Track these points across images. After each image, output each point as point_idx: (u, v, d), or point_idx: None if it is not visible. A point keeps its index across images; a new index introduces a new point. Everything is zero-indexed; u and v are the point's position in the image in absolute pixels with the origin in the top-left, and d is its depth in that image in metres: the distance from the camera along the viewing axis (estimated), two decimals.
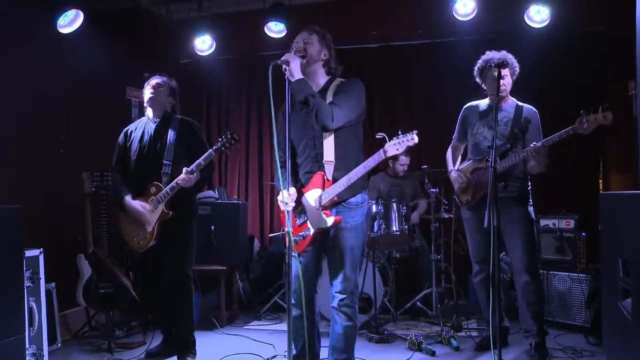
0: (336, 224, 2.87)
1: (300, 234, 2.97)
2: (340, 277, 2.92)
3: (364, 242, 3.04)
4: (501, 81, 3.51)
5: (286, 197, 2.74)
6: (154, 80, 3.79)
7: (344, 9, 5.23)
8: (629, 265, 2.65)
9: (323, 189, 2.89)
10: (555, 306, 4.47)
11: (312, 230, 2.93)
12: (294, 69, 2.78)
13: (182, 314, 3.76)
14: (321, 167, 2.93)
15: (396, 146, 2.77)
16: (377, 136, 2.89)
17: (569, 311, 4.41)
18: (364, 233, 3.04)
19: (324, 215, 2.89)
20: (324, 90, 2.98)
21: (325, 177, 2.90)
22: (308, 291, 2.97)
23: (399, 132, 2.77)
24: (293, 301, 3.02)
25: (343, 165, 2.91)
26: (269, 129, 6.10)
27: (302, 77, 2.80)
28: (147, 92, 3.77)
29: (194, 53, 5.45)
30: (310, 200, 2.93)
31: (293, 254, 2.92)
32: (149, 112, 3.81)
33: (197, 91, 6.49)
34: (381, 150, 2.80)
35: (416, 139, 2.75)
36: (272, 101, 2.57)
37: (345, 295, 2.92)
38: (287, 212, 2.72)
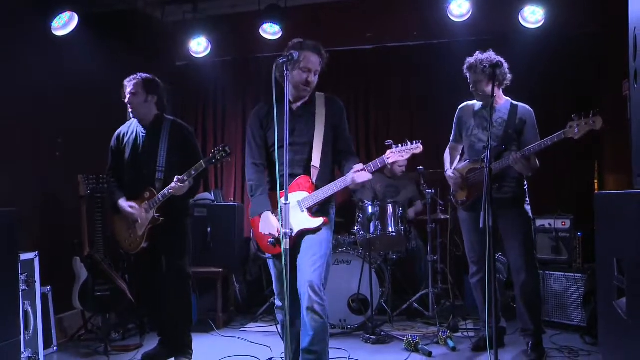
0: (324, 225, 2.90)
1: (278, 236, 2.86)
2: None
3: (332, 235, 3.04)
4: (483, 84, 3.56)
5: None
6: (126, 89, 3.70)
7: (339, 10, 5.23)
8: (623, 264, 2.66)
9: (309, 192, 2.92)
10: (551, 306, 4.47)
11: (294, 232, 2.85)
12: None
13: (179, 315, 3.76)
14: (307, 171, 2.95)
15: (401, 153, 2.81)
16: (386, 143, 2.90)
17: (565, 311, 4.42)
18: (332, 225, 3.06)
19: (310, 217, 2.91)
20: (310, 104, 3.02)
21: (311, 181, 2.94)
22: (292, 293, 2.87)
23: (406, 140, 2.81)
24: (280, 304, 3.02)
25: (327, 171, 3.00)
26: None
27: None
28: (127, 103, 3.72)
29: (189, 55, 5.45)
30: (292, 202, 2.84)
31: (268, 256, 2.95)
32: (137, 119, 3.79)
33: (193, 93, 6.49)
34: (383, 156, 2.84)
35: (421, 148, 2.82)
36: (274, 98, 2.59)
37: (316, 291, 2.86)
38: (285, 208, 2.65)
